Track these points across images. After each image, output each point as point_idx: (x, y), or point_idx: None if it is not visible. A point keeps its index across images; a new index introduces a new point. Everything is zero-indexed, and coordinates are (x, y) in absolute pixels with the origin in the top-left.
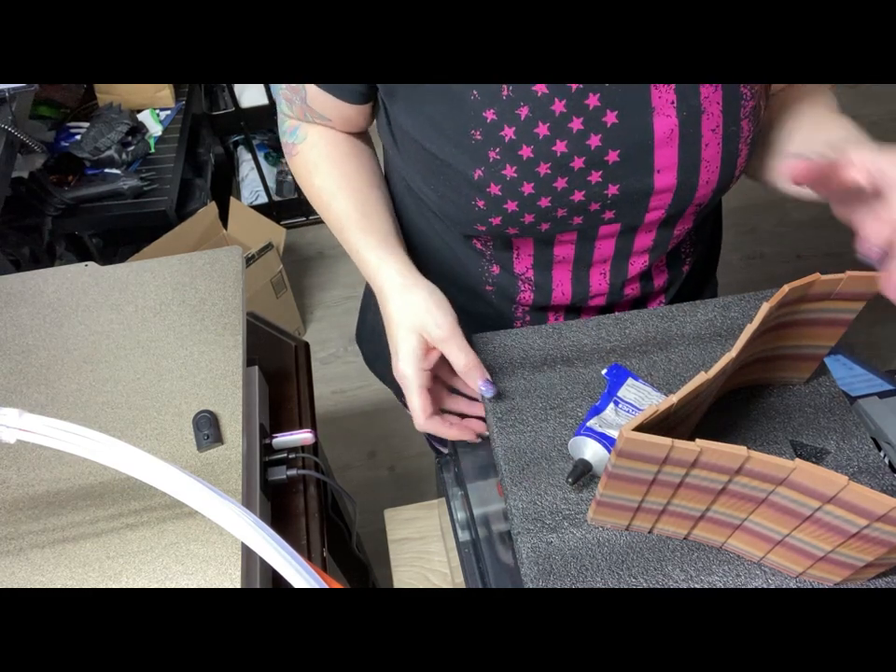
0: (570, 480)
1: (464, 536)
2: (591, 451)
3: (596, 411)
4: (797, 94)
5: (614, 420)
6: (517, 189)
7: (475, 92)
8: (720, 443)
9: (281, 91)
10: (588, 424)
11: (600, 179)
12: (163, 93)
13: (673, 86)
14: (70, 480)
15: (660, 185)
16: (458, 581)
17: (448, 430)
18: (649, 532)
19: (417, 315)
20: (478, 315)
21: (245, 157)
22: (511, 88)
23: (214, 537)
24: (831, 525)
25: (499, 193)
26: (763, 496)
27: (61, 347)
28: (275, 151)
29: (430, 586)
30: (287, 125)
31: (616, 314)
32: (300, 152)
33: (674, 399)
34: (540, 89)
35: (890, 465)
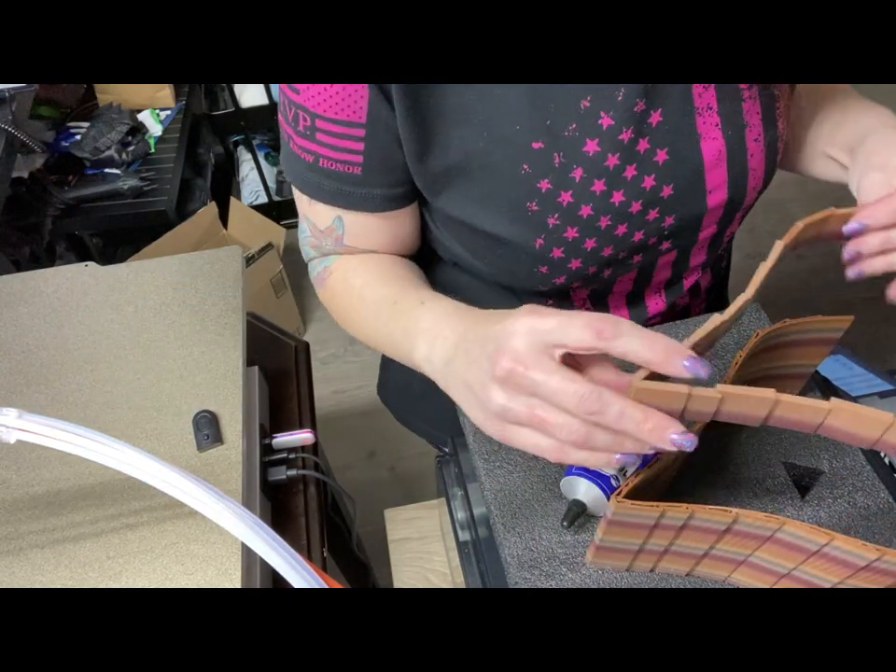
0: (566, 523)
1: (464, 536)
2: (584, 490)
3: None
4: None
5: None
6: (580, 247)
7: (525, 166)
8: (708, 507)
9: (305, 240)
10: None
11: (657, 215)
12: (163, 93)
13: (715, 108)
14: (70, 480)
15: (712, 203)
16: (458, 581)
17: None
18: (650, 571)
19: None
20: None
21: (245, 157)
22: (562, 154)
23: (214, 537)
24: (839, 559)
25: (562, 255)
26: (769, 534)
27: (61, 347)
28: (275, 151)
29: (430, 586)
30: (318, 259)
31: None
32: (335, 270)
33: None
34: (592, 148)
35: (891, 465)
